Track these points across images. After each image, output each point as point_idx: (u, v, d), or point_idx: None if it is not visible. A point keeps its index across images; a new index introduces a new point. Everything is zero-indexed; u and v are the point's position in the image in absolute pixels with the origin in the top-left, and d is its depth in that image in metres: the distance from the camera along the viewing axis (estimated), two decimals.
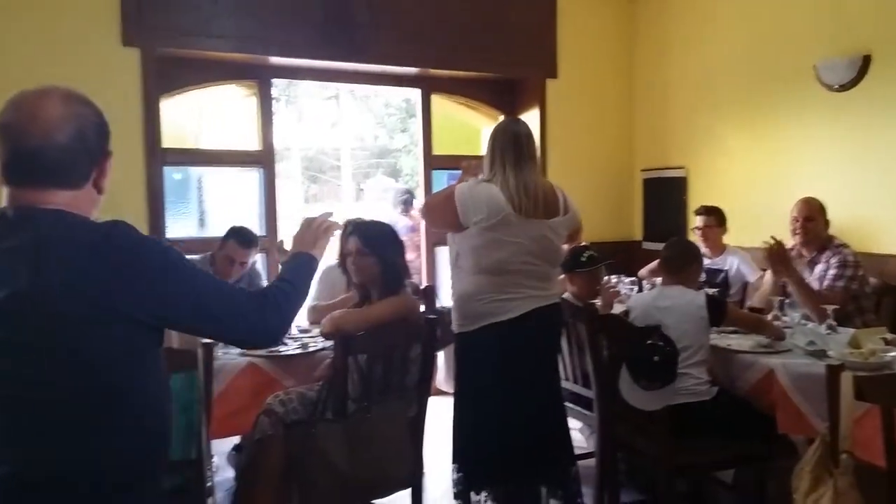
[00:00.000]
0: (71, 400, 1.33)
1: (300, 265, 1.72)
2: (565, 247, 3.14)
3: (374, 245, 2.96)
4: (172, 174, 4.69)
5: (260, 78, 4.85)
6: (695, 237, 4.30)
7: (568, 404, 3.44)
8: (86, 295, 1.31)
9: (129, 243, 1.38)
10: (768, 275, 3.77)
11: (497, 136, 2.86)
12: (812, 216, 3.75)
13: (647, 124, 5.73)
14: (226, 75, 4.78)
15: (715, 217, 4.37)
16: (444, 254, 5.10)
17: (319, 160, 14.57)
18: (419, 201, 6.00)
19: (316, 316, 3.55)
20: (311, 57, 4.75)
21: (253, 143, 4.90)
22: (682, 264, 3.19)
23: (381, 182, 13.07)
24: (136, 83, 4.22)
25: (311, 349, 3.10)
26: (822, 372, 2.39)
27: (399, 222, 5.94)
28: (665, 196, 5.50)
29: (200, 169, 4.95)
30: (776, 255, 3.53)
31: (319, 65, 4.91)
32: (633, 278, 4.39)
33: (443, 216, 2.85)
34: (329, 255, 3.70)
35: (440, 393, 3.88)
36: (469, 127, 5.83)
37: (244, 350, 2.98)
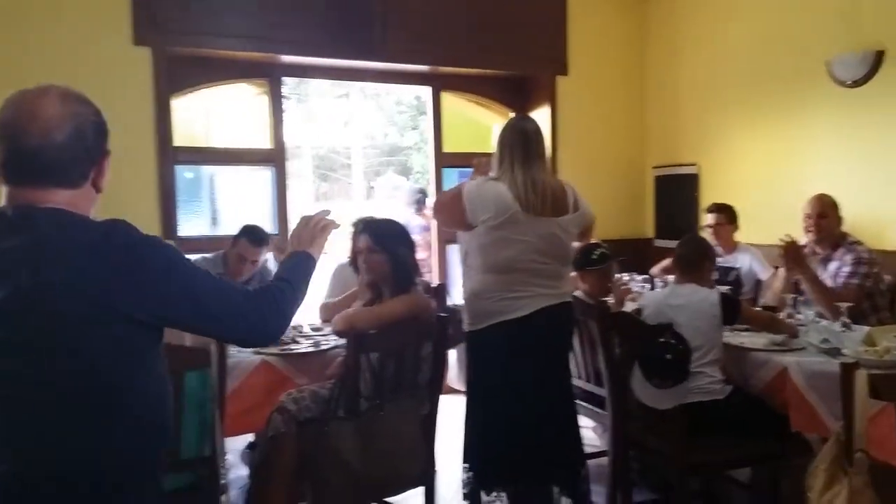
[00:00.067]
0: (71, 399, 1.34)
1: (298, 264, 1.72)
2: (576, 244, 3.13)
3: (384, 242, 2.97)
4: (184, 173, 4.71)
5: (271, 76, 4.86)
6: (706, 235, 4.28)
7: (580, 403, 3.43)
8: (85, 294, 1.31)
9: (129, 242, 1.39)
10: (781, 272, 3.75)
11: (506, 134, 2.85)
12: (825, 213, 3.73)
13: (658, 121, 5.70)
14: (237, 74, 4.79)
15: (726, 214, 4.35)
16: (455, 252, 5.11)
17: (330, 158, 14.60)
18: (432, 200, 6.00)
19: (327, 314, 3.56)
20: (321, 55, 4.76)
21: (264, 142, 4.92)
22: (695, 262, 3.18)
23: (392, 180, 13.08)
24: (147, 82, 4.25)
25: (323, 347, 3.11)
26: (837, 370, 2.36)
27: (412, 221, 5.95)
28: (677, 193, 5.48)
29: (212, 167, 4.97)
30: (790, 253, 3.52)
31: (330, 63, 4.91)
32: (645, 276, 4.38)
33: (452, 215, 2.85)
34: (341, 253, 3.72)
35: (452, 391, 3.89)
36: (479, 124, 5.82)
37: (257, 348, 3.00)
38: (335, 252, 3.88)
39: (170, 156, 4.34)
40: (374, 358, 2.77)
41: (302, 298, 1.67)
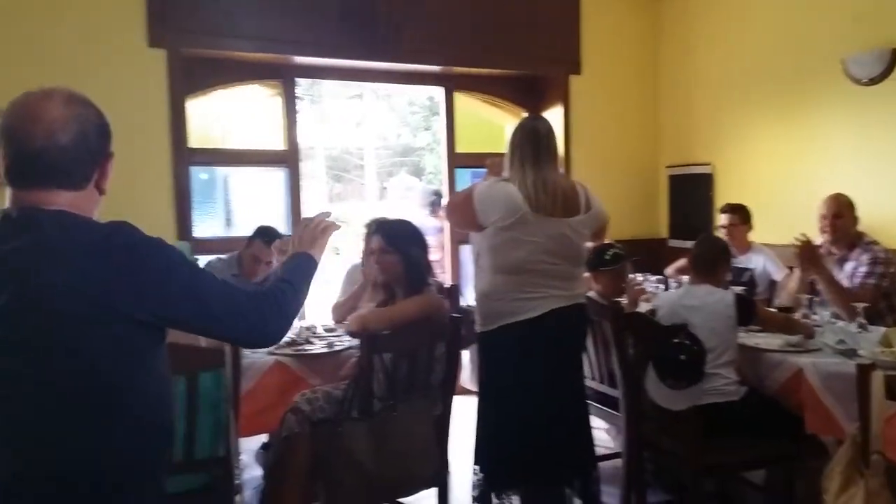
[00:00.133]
0: (70, 399, 1.34)
1: (299, 265, 1.72)
2: (590, 245, 3.12)
3: (397, 243, 2.98)
4: (199, 174, 4.74)
5: (284, 78, 4.88)
6: (720, 235, 4.25)
7: (594, 404, 3.43)
8: (86, 294, 1.32)
9: (131, 243, 1.39)
10: (796, 273, 3.73)
11: (517, 135, 2.84)
12: (840, 213, 3.70)
13: (672, 120, 5.68)
14: (251, 75, 4.82)
15: (740, 215, 4.32)
16: (468, 252, 5.11)
17: (343, 159, 14.62)
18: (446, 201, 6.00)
19: (339, 314, 3.57)
20: (334, 56, 4.77)
21: (278, 143, 4.93)
22: (711, 263, 3.15)
23: (405, 181, 13.08)
24: (162, 84, 4.27)
25: (337, 348, 3.12)
26: (853, 371, 2.35)
27: (427, 223, 5.96)
28: (691, 193, 5.46)
29: (226, 169, 5.00)
30: (806, 253, 3.49)
31: (343, 64, 4.93)
32: (659, 276, 4.36)
33: (463, 216, 2.84)
34: (354, 254, 3.74)
35: (465, 392, 3.88)
36: (492, 124, 5.82)
37: (270, 349, 3.01)
38: (348, 253, 3.89)
39: (185, 157, 4.36)
40: (388, 358, 2.77)
41: (303, 299, 1.68)
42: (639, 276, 4.19)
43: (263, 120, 5.12)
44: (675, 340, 2.91)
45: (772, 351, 3.00)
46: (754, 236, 4.37)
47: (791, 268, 3.88)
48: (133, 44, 4.19)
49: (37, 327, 1.32)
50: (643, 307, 3.59)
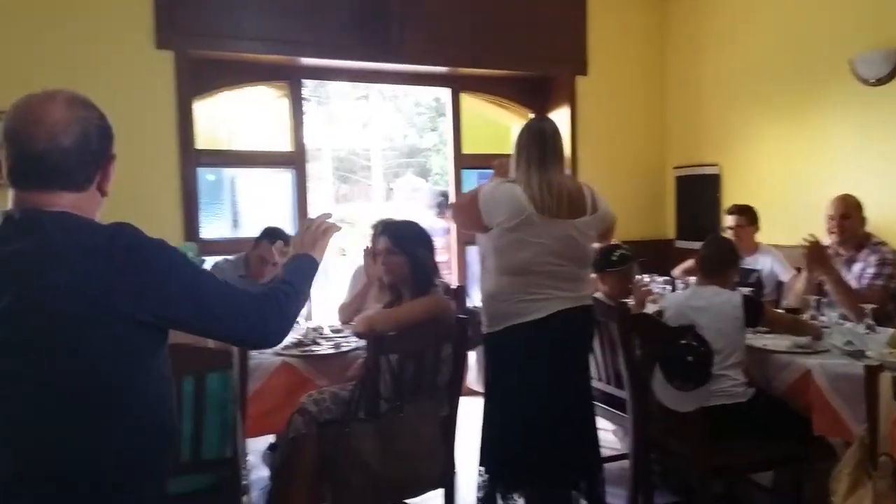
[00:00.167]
0: (71, 399, 1.35)
1: (300, 266, 1.74)
2: (597, 246, 3.11)
3: (403, 244, 2.98)
4: (206, 175, 4.75)
5: (291, 79, 4.89)
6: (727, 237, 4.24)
7: (601, 405, 3.42)
8: (88, 295, 1.33)
9: (133, 244, 1.40)
10: (803, 273, 3.72)
11: (523, 136, 2.84)
12: (848, 213, 3.69)
13: (679, 121, 5.67)
14: (257, 77, 4.83)
15: (747, 216, 4.31)
16: (474, 253, 5.11)
17: (350, 160, 14.64)
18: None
19: (346, 315, 3.58)
20: (341, 57, 4.78)
21: (284, 144, 4.95)
22: (719, 264, 3.14)
23: (411, 181, 13.09)
24: (170, 85, 4.29)
25: (343, 349, 3.12)
26: (860, 372, 2.35)
27: (434, 224, 5.97)
28: (698, 194, 5.45)
29: (233, 170, 5.01)
30: (814, 254, 3.48)
31: (350, 65, 4.94)
32: (666, 277, 4.36)
33: (469, 217, 2.85)
34: (361, 255, 3.74)
35: (472, 393, 3.88)
36: (499, 125, 5.81)
37: (277, 350, 3.02)
38: (354, 254, 3.89)
39: (192, 158, 4.38)
40: (394, 360, 2.78)
41: (304, 300, 1.69)
42: (646, 277, 4.18)
43: (270, 121, 5.13)
44: (683, 342, 2.90)
45: (779, 352, 2.99)
46: (762, 237, 4.36)
47: (798, 269, 3.87)
48: (140, 45, 4.21)
49: (38, 328, 1.33)
50: (650, 308, 3.59)
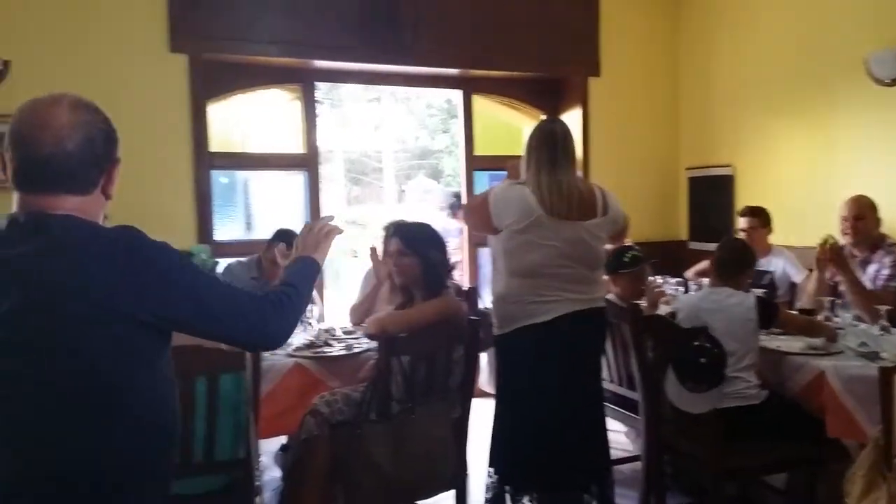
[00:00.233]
0: (71, 399, 1.36)
1: (302, 269, 1.74)
2: (609, 247, 3.11)
3: (415, 245, 2.98)
4: (219, 178, 4.78)
5: (304, 82, 4.91)
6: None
7: (613, 407, 3.41)
8: (90, 296, 1.34)
9: (135, 245, 1.41)
10: (814, 274, 3.71)
11: (533, 137, 2.84)
12: (862, 215, 3.66)
13: (692, 122, 5.65)
14: (271, 79, 4.85)
15: (759, 218, 4.28)
16: (486, 255, 5.11)
17: (362, 162, 14.68)
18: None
19: (357, 316, 3.59)
20: (354, 60, 4.80)
21: (297, 147, 4.97)
22: (734, 267, 3.12)
23: (423, 183, 13.11)
24: (183, 88, 4.32)
25: (355, 350, 3.13)
26: (875, 374, 2.34)
27: (448, 225, 5.97)
28: (711, 195, 5.42)
29: (246, 172, 5.04)
30: (832, 254, 3.44)
31: (362, 67, 4.95)
32: (678, 278, 4.34)
33: (480, 219, 2.85)
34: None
35: (484, 394, 3.89)
36: (511, 127, 5.82)
37: (289, 351, 3.03)
38: (367, 256, 3.90)
39: (206, 161, 4.40)
40: (406, 361, 2.78)
41: (306, 302, 1.70)
42: (658, 279, 4.17)
43: (283, 124, 5.16)
44: (696, 343, 2.89)
45: (793, 354, 2.97)
46: (775, 238, 4.33)
47: (810, 269, 3.85)
48: (155, 49, 4.24)
49: (40, 328, 1.34)
50: (663, 310, 3.58)
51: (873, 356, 2.78)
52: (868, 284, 3.53)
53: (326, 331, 3.36)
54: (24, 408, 1.35)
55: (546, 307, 2.70)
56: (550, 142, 2.78)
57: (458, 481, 2.90)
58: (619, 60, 5.50)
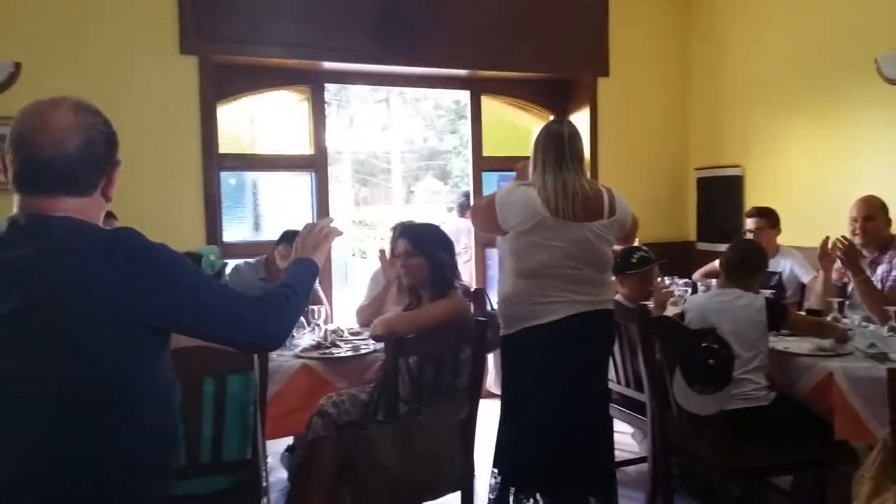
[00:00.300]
0: (73, 399, 1.36)
1: (301, 270, 1.76)
2: (617, 248, 3.10)
3: (422, 246, 2.99)
4: (228, 179, 4.79)
5: (313, 83, 4.92)
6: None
7: (620, 408, 3.41)
8: (91, 296, 1.35)
9: (136, 247, 1.42)
10: (821, 274, 3.69)
11: (539, 138, 2.84)
12: (872, 215, 3.64)
13: (701, 122, 5.63)
14: (280, 81, 4.87)
15: (768, 219, 4.26)
16: (494, 256, 5.11)
17: (370, 163, 14.71)
18: None
19: (364, 317, 3.59)
20: (362, 61, 4.81)
21: (305, 148, 4.98)
22: (746, 270, 3.08)
23: (431, 184, 13.12)
24: (193, 90, 4.34)
25: (362, 351, 3.13)
26: (883, 375, 2.33)
27: (461, 225, 5.99)
28: (720, 195, 5.40)
29: (255, 173, 5.05)
30: (846, 253, 3.42)
31: (371, 69, 4.96)
32: (686, 279, 4.33)
33: (488, 220, 2.85)
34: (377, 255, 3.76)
35: (491, 395, 3.89)
36: (519, 128, 5.81)
37: (297, 352, 3.04)
38: (374, 256, 3.91)
39: (214, 162, 4.42)
40: (413, 362, 2.78)
41: (305, 304, 1.71)
42: (666, 280, 4.16)
43: (291, 125, 5.17)
44: (704, 345, 2.88)
45: (801, 355, 2.96)
46: (785, 239, 4.31)
47: (818, 270, 3.84)
48: (165, 51, 4.26)
49: (42, 328, 1.35)
50: (670, 311, 3.57)
51: (882, 357, 2.77)
52: (877, 285, 3.51)
53: (334, 332, 3.36)
54: (26, 407, 1.36)
55: (551, 308, 2.70)
56: (557, 143, 2.77)
57: (464, 482, 2.90)
58: (629, 61, 5.49)
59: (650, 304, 3.58)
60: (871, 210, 3.65)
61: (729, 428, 2.79)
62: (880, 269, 3.60)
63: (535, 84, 5.49)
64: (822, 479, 3.04)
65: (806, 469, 3.06)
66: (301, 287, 1.69)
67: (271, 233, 4.49)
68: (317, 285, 4.16)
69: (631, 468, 3.73)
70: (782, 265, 4.17)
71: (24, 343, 1.35)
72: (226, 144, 4.63)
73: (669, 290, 3.98)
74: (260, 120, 5.31)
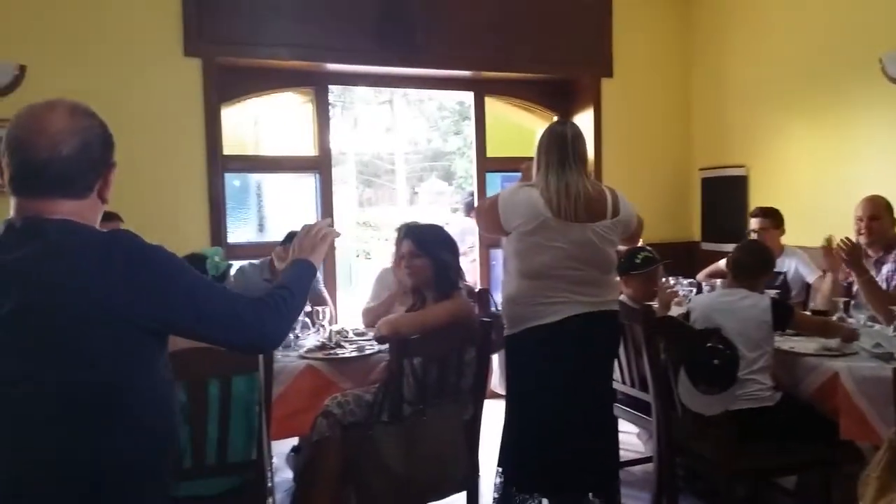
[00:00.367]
0: (71, 399, 1.37)
1: (298, 272, 1.77)
2: (622, 248, 3.10)
3: (427, 247, 2.99)
4: (232, 181, 4.80)
5: (317, 85, 4.93)
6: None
7: (625, 408, 3.41)
8: (89, 297, 1.35)
9: (133, 249, 1.43)
10: (829, 275, 3.68)
11: (542, 139, 2.84)
12: (877, 215, 3.64)
13: (705, 122, 5.63)
14: (284, 83, 4.87)
15: (771, 219, 4.25)
16: (498, 256, 5.11)
17: (374, 164, 14.72)
18: None
19: (370, 318, 3.60)
20: (366, 63, 4.81)
21: (309, 149, 4.99)
22: (753, 271, 3.08)
23: (435, 185, 13.13)
24: (197, 92, 4.34)
25: (367, 352, 3.14)
26: (889, 375, 2.33)
27: (466, 226, 5.99)
28: (725, 195, 5.39)
29: (259, 175, 5.06)
30: (851, 253, 3.42)
31: (374, 70, 4.96)
32: (691, 280, 4.32)
33: (491, 221, 2.86)
34: (385, 258, 3.76)
35: (495, 396, 3.89)
36: (523, 128, 5.81)
37: (301, 353, 3.05)
38: (379, 257, 3.91)
39: (219, 164, 4.43)
40: (418, 363, 2.79)
41: (302, 305, 1.72)
42: (671, 280, 4.15)
43: (296, 126, 5.18)
44: (709, 345, 2.87)
45: (807, 355, 2.95)
46: (789, 239, 4.30)
47: (824, 271, 3.83)
48: (168, 53, 4.27)
49: (39, 330, 1.35)
50: (675, 311, 3.56)
51: (888, 357, 2.77)
52: (882, 285, 3.50)
53: (338, 332, 3.37)
54: (24, 408, 1.37)
55: (554, 308, 2.71)
56: (560, 144, 2.78)
57: (469, 483, 2.90)
58: (632, 61, 5.48)
59: (655, 304, 3.57)
60: (877, 209, 3.64)
61: (734, 428, 2.79)
62: (885, 269, 3.59)
63: (539, 85, 5.48)
64: (828, 480, 3.03)
65: (811, 469, 3.06)
66: (298, 288, 1.70)
67: (276, 234, 4.49)
68: (321, 286, 4.19)
69: (636, 468, 3.73)
70: (787, 265, 4.16)
71: (21, 345, 1.36)
72: (230, 146, 4.63)
73: (674, 290, 3.98)
74: (264, 122, 5.32)
